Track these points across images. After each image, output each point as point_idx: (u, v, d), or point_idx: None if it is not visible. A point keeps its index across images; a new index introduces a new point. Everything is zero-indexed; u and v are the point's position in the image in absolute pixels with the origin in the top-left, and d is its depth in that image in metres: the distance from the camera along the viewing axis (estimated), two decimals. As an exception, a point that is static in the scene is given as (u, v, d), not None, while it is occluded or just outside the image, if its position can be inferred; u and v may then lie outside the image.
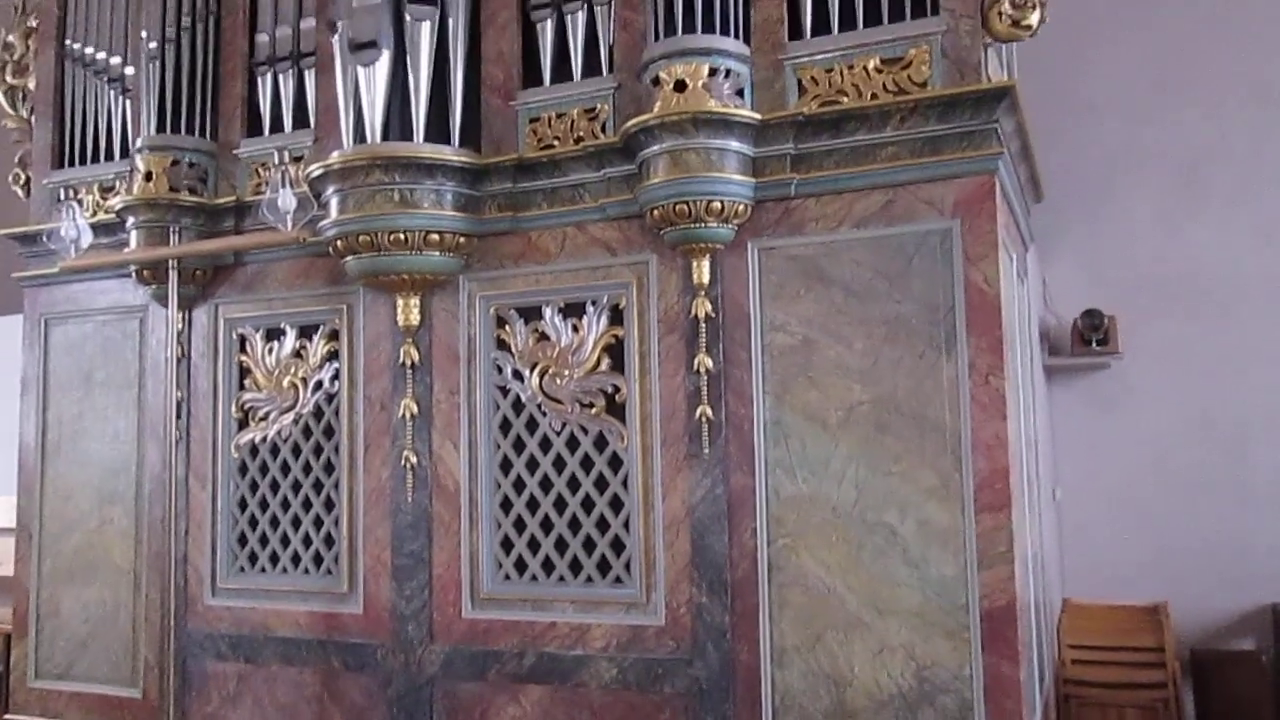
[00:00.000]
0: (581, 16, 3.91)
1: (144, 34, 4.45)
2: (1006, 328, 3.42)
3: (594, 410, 3.83)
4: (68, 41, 4.96)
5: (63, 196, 4.53)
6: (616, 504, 3.80)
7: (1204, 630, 5.40)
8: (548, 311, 3.92)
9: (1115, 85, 5.68)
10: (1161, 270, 5.56)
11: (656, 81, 3.57)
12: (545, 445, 3.91)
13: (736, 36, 3.60)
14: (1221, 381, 5.44)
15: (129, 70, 4.73)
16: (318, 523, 4.27)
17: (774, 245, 3.61)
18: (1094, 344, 5.48)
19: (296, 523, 4.32)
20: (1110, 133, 5.67)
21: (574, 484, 3.86)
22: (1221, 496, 5.40)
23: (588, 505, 3.84)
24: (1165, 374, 5.53)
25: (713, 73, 3.53)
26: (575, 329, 3.88)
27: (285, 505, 4.34)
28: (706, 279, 3.64)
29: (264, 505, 4.39)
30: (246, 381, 4.45)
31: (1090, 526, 5.58)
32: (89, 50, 4.86)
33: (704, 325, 3.65)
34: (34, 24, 5.07)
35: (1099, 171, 5.66)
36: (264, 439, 4.39)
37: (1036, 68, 4.98)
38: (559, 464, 3.89)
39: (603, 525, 3.81)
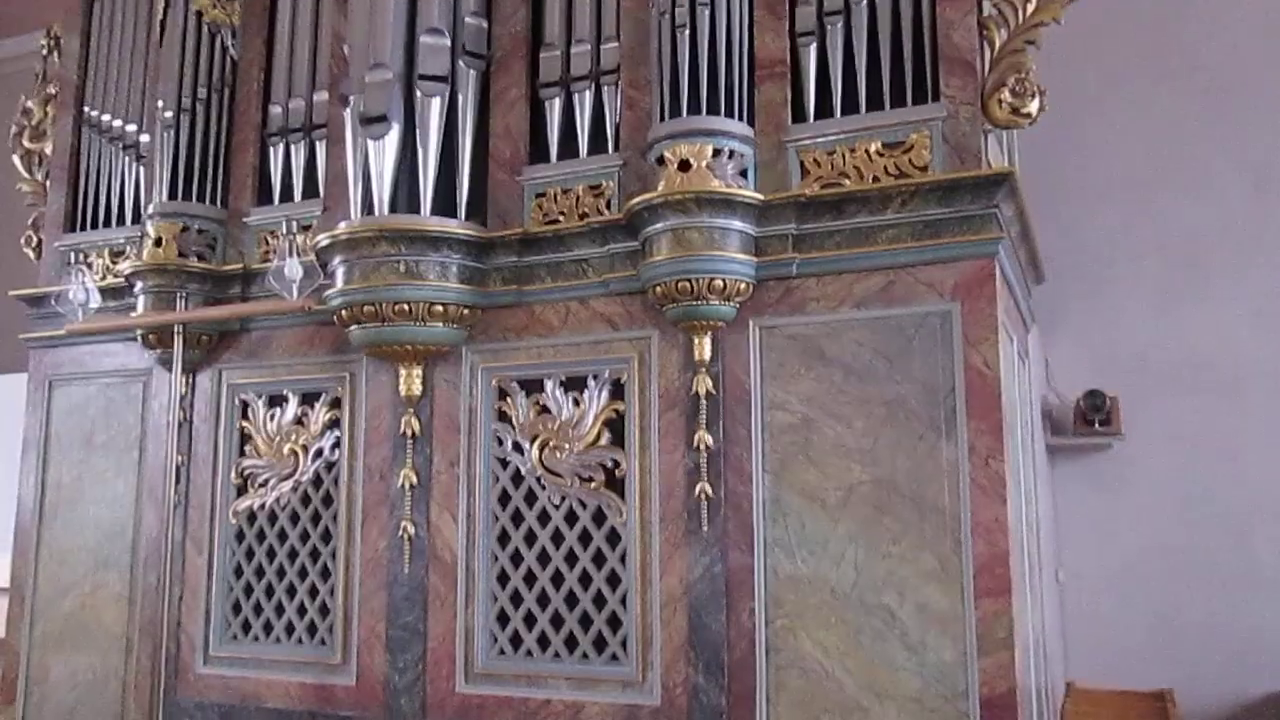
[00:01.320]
0: (589, 95, 3.98)
1: (160, 103, 4.53)
2: (1006, 410, 3.42)
3: (593, 484, 3.82)
4: (85, 108, 5.07)
5: (73, 260, 4.58)
6: (614, 580, 3.77)
7: (1211, 717, 5.30)
8: (549, 385, 3.93)
9: (1115, 168, 5.74)
10: (1163, 351, 5.57)
11: (661, 160, 3.62)
12: (544, 519, 3.89)
13: (740, 118, 3.66)
14: (1225, 462, 5.41)
15: (144, 138, 4.82)
16: (313, 592, 4.24)
17: (775, 324, 3.63)
18: (1096, 424, 5.47)
19: (291, 591, 4.29)
20: (1111, 215, 5.72)
21: (571, 559, 3.84)
22: (1227, 579, 5.33)
23: (585, 580, 3.81)
24: (1168, 454, 5.50)
25: (716, 153, 3.58)
26: (576, 403, 3.89)
27: (281, 573, 4.32)
28: (707, 356, 3.66)
29: (260, 573, 4.36)
30: (247, 448, 4.45)
31: (1094, 609, 5.50)
32: (106, 117, 4.97)
33: (704, 402, 3.65)
34: (53, 91, 5.19)
35: (1100, 253, 5.70)
36: (262, 506, 4.37)
37: (1038, 150, 5.06)
38: (557, 538, 3.87)
39: (599, 601, 3.78)
